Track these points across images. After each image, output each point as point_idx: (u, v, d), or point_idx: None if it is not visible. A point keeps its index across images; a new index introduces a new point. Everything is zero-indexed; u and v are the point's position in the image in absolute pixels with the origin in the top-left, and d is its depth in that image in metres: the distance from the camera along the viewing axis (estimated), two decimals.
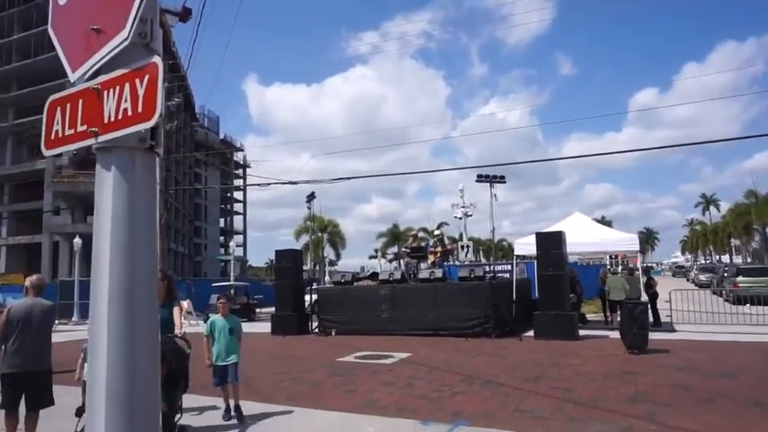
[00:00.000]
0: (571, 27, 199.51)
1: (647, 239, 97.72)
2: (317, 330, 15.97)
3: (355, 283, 16.89)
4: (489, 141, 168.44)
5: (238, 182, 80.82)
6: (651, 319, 13.00)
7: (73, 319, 24.39)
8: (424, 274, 15.65)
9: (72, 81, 2.01)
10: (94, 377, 1.73)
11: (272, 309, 17.98)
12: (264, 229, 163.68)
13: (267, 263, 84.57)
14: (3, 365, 5.18)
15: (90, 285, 1.80)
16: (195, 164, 67.89)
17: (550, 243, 13.29)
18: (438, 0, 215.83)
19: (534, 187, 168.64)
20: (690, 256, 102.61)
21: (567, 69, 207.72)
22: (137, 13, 1.77)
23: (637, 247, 15.59)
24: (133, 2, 1.77)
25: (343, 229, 64.42)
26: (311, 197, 19.09)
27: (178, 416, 5.51)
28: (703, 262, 78.17)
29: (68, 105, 2.00)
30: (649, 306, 12.92)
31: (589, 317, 16.45)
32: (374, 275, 17.71)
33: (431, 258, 17.53)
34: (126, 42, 1.80)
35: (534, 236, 14.15)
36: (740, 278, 21.97)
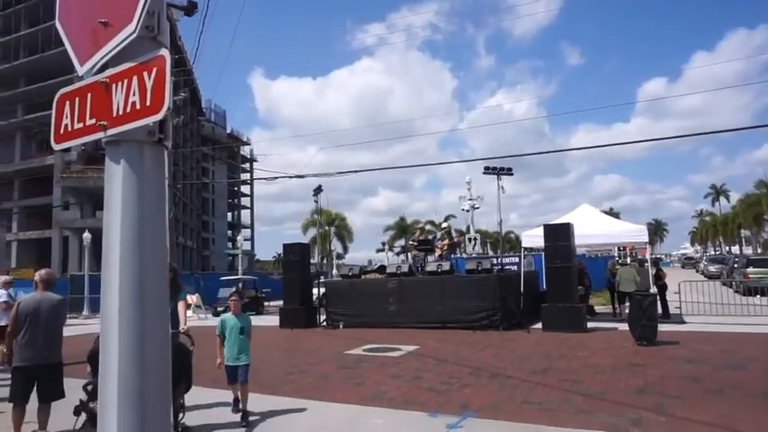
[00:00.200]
0: (578, 17, 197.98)
1: (656, 231, 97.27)
2: (324, 323, 16.03)
3: (363, 277, 16.92)
4: (496, 133, 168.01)
5: (245, 176, 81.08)
6: (660, 310, 12.94)
7: (83, 313, 24.65)
8: (431, 267, 15.64)
9: (80, 75, 2.01)
10: (106, 370, 1.74)
11: (280, 302, 18.06)
12: (272, 222, 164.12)
13: (275, 256, 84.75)
14: (14, 359, 5.25)
15: (101, 279, 1.81)
16: (202, 158, 68.17)
17: (558, 235, 13.24)
18: None
19: (542, 179, 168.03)
20: (699, 248, 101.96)
21: (574, 60, 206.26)
22: (144, 6, 1.77)
23: (645, 238, 15.50)
24: None
25: (351, 222, 64.78)
26: (318, 191, 19.11)
27: (181, 415, 5.51)
28: (713, 253, 77.69)
29: (77, 99, 2.00)
30: (658, 298, 12.86)
31: (597, 309, 16.40)
32: (382, 269, 17.70)
33: (438, 251, 17.53)
34: (133, 35, 1.80)
35: (542, 228, 14.10)
36: (750, 269, 21.83)
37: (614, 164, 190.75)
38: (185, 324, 5.89)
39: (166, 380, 1.83)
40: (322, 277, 20.38)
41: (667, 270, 18.56)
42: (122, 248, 1.75)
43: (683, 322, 13.55)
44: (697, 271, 42.71)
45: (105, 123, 1.85)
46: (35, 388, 5.27)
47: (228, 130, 78.38)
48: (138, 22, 1.77)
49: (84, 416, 4.89)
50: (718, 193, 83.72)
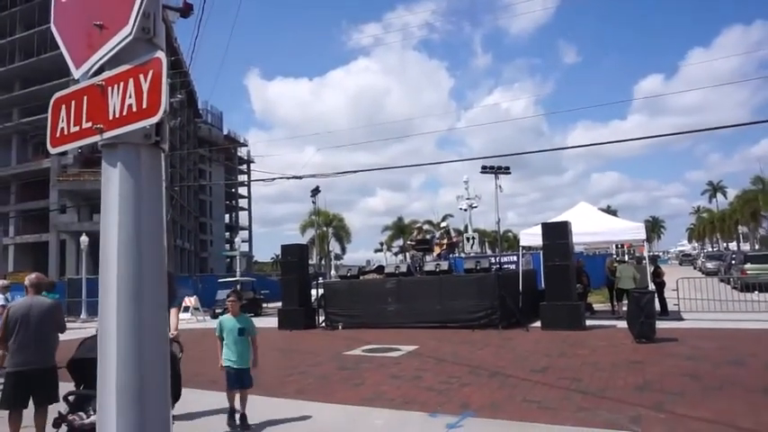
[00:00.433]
0: (574, 15, 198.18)
1: (654, 228, 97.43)
2: (323, 324, 16.02)
3: (361, 277, 16.91)
4: (494, 132, 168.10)
5: (243, 177, 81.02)
6: (658, 307, 12.97)
7: (81, 316, 24.56)
8: (429, 267, 15.65)
9: (76, 78, 2.01)
10: (104, 371, 1.74)
11: (279, 303, 18.05)
12: (269, 224, 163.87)
13: (273, 258, 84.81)
14: (7, 364, 5.22)
15: (99, 281, 1.80)
16: (200, 160, 68.05)
17: (556, 233, 13.25)
18: None
19: (539, 177, 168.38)
20: (697, 244, 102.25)
21: (571, 58, 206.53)
22: (139, 9, 1.77)
23: (643, 235, 15.52)
24: None
25: (349, 222, 64.63)
26: (316, 191, 19.05)
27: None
28: (710, 250, 77.91)
29: (73, 102, 2.00)
30: (657, 295, 12.89)
31: (596, 306, 16.43)
32: (380, 269, 17.70)
33: (437, 250, 17.55)
34: (129, 38, 1.79)
35: (540, 226, 14.11)
36: (748, 265, 21.87)
37: (612, 161, 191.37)
38: (176, 329, 5.81)
39: (165, 380, 1.83)
40: (320, 278, 20.36)
41: (665, 267, 18.59)
42: (120, 251, 1.75)
43: (682, 319, 13.58)
44: (695, 268, 42.86)
45: (102, 126, 1.85)
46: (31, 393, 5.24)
47: (225, 132, 78.33)
48: (134, 24, 1.77)
49: (64, 428, 4.72)
50: (715, 189, 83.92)
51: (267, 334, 14.73)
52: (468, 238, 32.27)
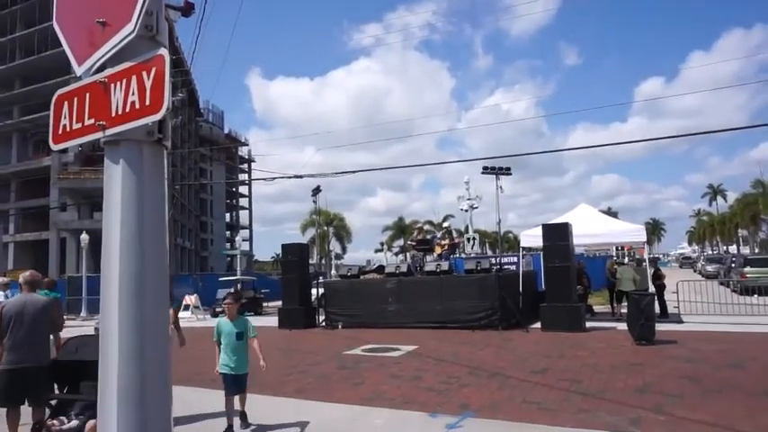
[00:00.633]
0: (576, 16, 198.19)
1: (654, 230, 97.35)
2: (323, 324, 16.02)
3: (361, 277, 16.91)
4: (495, 133, 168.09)
5: (243, 176, 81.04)
6: (658, 310, 12.96)
7: (81, 314, 24.58)
8: (430, 267, 15.65)
9: (78, 75, 2.01)
10: (106, 368, 1.74)
11: (279, 303, 18.04)
12: (270, 223, 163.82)
13: (273, 257, 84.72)
14: (1, 362, 5.20)
15: (101, 278, 1.80)
16: (200, 159, 68.08)
17: (557, 235, 13.25)
18: None
19: (540, 179, 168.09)
20: (696, 247, 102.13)
21: (572, 59, 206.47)
22: (142, 6, 1.76)
23: (643, 238, 15.52)
24: None
25: (349, 222, 64.65)
26: (317, 191, 19.05)
27: None
28: (710, 253, 77.85)
29: (75, 99, 2.00)
30: (657, 297, 12.88)
31: (596, 308, 16.41)
32: (380, 269, 17.69)
33: (438, 250, 17.53)
34: (132, 35, 1.79)
35: (540, 227, 14.10)
36: (748, 269, 21.86)
37: (612, 163, 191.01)
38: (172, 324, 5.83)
39: (167, 377, 1.83)
40: (321, 277, 20.35)
41: (665, 270, 18.59)
42: (122, 247, 1.74)
43: (682, 322, 13.57)
44: (694, 270, 42.79)
45: (104, 123, 1.85)
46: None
47: (226, 131, 78.36)
48: (137, 21, 1.77)
49: None
50: (715, 192, 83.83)
51: (267, 333, 14.73)
52: (468, 239, 32.26)
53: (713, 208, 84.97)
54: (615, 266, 16.47)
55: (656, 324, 10.72)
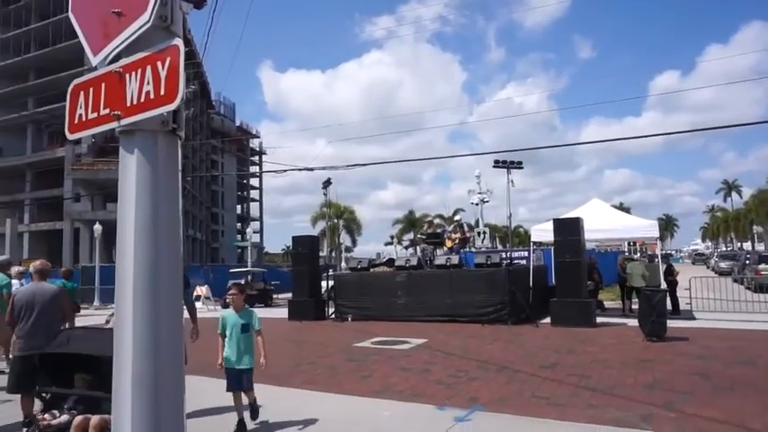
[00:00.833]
0: (590, 9, 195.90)
1: (667, 226, 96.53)
2: (333, 316, 16.08)
3: (371, 270, 16.93)
4: (506, 126, 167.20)
5: (254, 168, 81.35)
6: (670, 306, 12.86)
7: (94, 304, 24.87)
8: (440, 261, 15.64)
9: (93, 65, 2.02)
10: (120, 358, 1.76)
11: (289, 294, 18.12)
12: (280, 215, 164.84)
13: (284, 249, 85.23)
14: (14, 349, 5.35)
15: (115, 268, 1.82)
16: (212, 151, 68.41)
17: (568, 230, 13.17)
18: None
19: (552, 173, 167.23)
20: (710, 244, 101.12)
21: (586, 53, 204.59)
22: None
23: (656, 233, 15.37)
24: None
25: (359, 215, 64.62)
26: (327, 183, 19.09)
27: None
28: (724, 249, 77.00)
29: (91, 89, 2.01)
30: (669, 293, 12.77)
31: (607, 304, 16.33)
32: (390, 262, 17.69)
33: (448, 244, 17.49)
34: (147, 25, 1.80)
35: (551, 222, 14.03)
36: (762, 266, 21.60)
37: (625, 158, 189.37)
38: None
39: (180, 368, 1.85)
40: (331, 270, 20.42)
41: (677, 266, 18.41)
42: (137, 237, 1.76)
43: (694, 318, 13.46)
44: (708, 267, 42.39)
45: (119, 113, 1.86)
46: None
47: (238, 123, 78.65)
48: (153, 11, 1.78)
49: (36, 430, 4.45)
50: (730, 188, 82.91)
51: (277, 324, 14.84)
52: (479, 233, 32.15)
53: (728, 204, 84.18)
54: (626, 262, 16.35)
55: (668, 320, 10.64)
